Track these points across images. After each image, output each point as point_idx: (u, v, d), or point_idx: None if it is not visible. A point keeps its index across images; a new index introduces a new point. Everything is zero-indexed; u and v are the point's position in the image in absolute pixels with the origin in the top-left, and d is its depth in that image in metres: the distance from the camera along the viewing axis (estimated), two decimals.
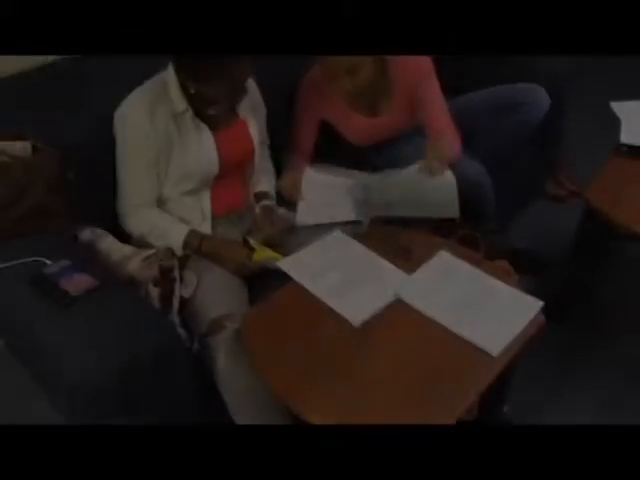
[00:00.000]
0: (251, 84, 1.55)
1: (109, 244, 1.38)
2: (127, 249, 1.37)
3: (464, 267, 1.35)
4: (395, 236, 1.45)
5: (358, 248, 1.42)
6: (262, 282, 1.45)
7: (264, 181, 1.65)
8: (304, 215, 1.58)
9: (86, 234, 1.39)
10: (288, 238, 1.54)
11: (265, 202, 1.60)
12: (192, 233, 1.46)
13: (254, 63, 1.36)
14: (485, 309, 1.24)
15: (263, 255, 1.44)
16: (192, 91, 1.37)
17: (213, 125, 1.46)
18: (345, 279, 1.33)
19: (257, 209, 1.59)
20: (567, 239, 1.82)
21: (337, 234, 1.46)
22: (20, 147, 1.27)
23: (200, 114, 1.43)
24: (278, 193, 1.67)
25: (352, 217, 1.53)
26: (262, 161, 1.65)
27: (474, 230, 1.63)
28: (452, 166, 1.63)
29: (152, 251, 1.34)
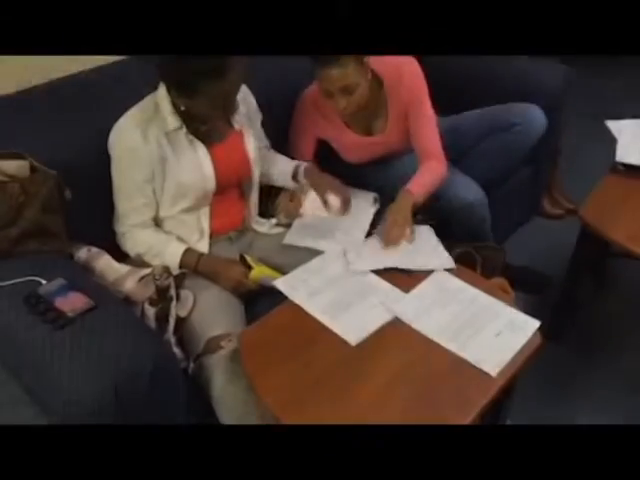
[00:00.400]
0: (245, 91, 1.55)
1: (105, 263, 1.38)
2: (123, 269, 1.37)
3: (461, 285, 1.35)
4: None
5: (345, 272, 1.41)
6: (259, 300, 1.44)
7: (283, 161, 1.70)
8: (294, 236, 1.59)
9: (82, 253, 1.39)
10: (284, 255, 1.54)
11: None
12: (189, 251, 1.46)
13: (242, 77, 1.34)
14: (483, 328, 1.24)
15: (260, 273, 1.44)
16: (182, 108, 1.37)
17: (208, 140, 1.46)
18: (341, 298, 1.32)
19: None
20: (565, 256, 1.82)
21: (333, 252, 1.46)
22: (18, 166, 1.27)
23: (194, 130, 1.43)
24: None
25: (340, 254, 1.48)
26: (271, 156, 1.69)
27: (471, 248, 1.63)
28: (446, 187, 1.66)
29: (148, 270, 1.34)
